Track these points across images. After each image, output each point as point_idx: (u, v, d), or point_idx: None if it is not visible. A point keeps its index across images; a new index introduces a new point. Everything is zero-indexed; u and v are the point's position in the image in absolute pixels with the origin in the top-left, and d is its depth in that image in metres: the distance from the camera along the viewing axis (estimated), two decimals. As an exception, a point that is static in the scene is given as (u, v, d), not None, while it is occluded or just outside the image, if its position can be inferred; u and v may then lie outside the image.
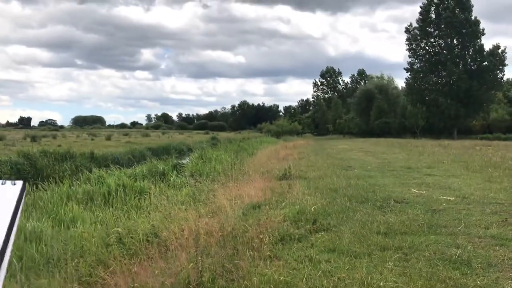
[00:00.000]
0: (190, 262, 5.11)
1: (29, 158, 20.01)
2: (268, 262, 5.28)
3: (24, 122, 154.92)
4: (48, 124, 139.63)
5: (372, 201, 8.95)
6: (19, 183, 0.67)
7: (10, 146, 34.01)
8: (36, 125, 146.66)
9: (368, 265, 5.10)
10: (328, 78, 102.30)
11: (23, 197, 0.65)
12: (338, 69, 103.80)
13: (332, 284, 4.54)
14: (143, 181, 14.14)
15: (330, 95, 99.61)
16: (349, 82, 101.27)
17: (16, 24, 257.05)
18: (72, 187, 12.96)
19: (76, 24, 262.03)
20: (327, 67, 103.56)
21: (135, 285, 4.54)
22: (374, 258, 5.36)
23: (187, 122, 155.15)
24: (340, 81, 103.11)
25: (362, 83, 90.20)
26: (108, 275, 5.26)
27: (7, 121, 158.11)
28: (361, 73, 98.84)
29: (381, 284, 4.45)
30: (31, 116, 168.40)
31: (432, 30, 61.60)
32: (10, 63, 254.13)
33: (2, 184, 0.66)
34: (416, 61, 63.09)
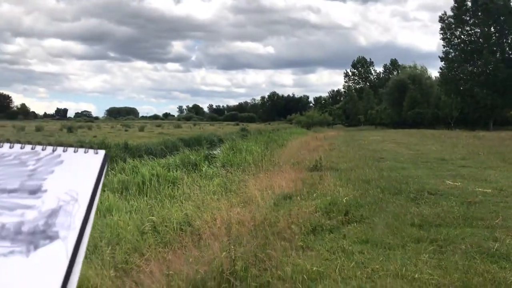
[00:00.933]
0: (222, 251, 5.17)
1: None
2: (300, 252, 5.29)
3: (61, 113, 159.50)
4: (84, 116, 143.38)
5: (405, 192, 8.83)
6: (102, 152, 0.68)
7: (48, 137, 35.10)
8: (72, 116, 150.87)
9: (402, 257, 5.05)
10: (360, 68, 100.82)
11: (105, 168, 0.67)
12: (370, 58, 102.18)
13: (365, 275, 4.52)
14: (176, 171, 14.36)
15: (362, 85, 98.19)
16: (381, 72, 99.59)
17: (51, 17, 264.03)
18: (107, 177, 13.28)
19: (108, 17, 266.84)
20: (358, 57, 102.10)
21: (170, 272, 4.63)
22: (408, 250, 5.30)
23: (218, 114, 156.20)
24: (372, 71, 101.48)
25: (395, 73, 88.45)
26: (143, 263, 5.38)
27: (45, 113, 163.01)
28: (394, 62, 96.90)
29: (416, 276, 4.40)
30: (67, 108, 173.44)
31: (467, 18, 59.61)
32: (46, 56, 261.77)
33: (85, 152, 0.67)
34: (451, 50, 61.33)
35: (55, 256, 0.55)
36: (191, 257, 5.50)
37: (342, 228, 6.38)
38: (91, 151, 0.69)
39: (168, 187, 11.96)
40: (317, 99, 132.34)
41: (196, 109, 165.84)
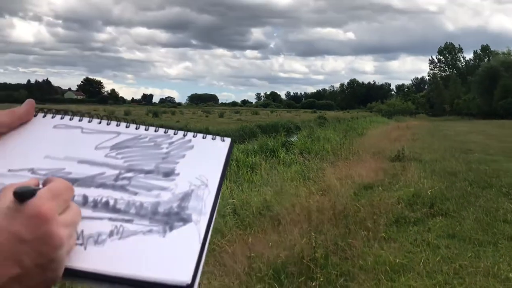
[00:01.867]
0: (303, 237, 5.19)
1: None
2: (383, 243, 5.17)
3: (147, 99, 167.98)
4: (167, 102, 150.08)
5: (496, 187, 8.28)
6: (228, 140, 0.69)
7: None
8: (157, 102, 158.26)
9: (494, 254, 4.77)
10: (447, 55, 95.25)
11: (230, 155, 0.68)
12: (459, 45, 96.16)
13: (452, 271, 4.32)
14: (254, 156, 14.56)
15: (448, 73, 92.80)
16: (470, 59, 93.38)
17: (138, 6, 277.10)
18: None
19: (190, 5, 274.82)
20: (446, 43, 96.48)
21: (251, 254, 4.74)
22: (501, 247, 4.98)
23: (295, 101, 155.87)
24: (461, 58, 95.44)
25: (486, 60, 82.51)
26: (225, 244, 5.55)
27: (132, 98, 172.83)
28: (485, 49, 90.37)
29: (510, 275, 4.13)
30: (152, 94, 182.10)
31: None
32: (133, 43, 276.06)
33: (212, 139, 0.69)
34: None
35: (189, 238, 0.56)
36: (271, 241, 5.58)
37: (427, 221, 6.13)
38: (218, 138, 0.69)
39: (247, 172, 12.17)
40: (400, 87, 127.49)
41: (273, 96, 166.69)
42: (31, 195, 0.48)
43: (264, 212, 7.34)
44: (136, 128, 0.69)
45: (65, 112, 0.69)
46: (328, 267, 4.48)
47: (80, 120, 0.69)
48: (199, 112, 71.33)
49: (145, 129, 0.69)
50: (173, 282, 0.52)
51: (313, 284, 4.07)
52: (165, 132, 0.69)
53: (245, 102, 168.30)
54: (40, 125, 0.67)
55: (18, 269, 0.46)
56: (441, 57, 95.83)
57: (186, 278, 0.52)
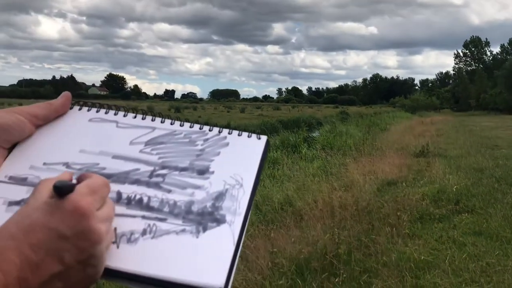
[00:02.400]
0: (325, 233, 5.17)
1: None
2: (407, 240, 5.11)
3: (169, 94, 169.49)
4: (189, 97, 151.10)
5: (525, 184, 8.08)
6: (264, 138, 0.68)
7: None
8: (179, 97, 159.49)
9: (523, 253, 4.65)
10: (473, 49, 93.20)
11: (266, 154, 0.66)
12: (486, 38, 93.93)
13: (479, 268, 4.25)
14: (276, 152, 14.54)
15: (474, 67, 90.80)
16: (497, 53, 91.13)
17: (160, 2, 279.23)
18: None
19: (212, 1, 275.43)
20: (471, 37, 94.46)
21: (274, 250, 4.74)
22: (530, 246, 4.86)
23: (317, 96, 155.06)
24: (487, 52, 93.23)
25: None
26: (248, 239, 5.57)
27: (155, 93, 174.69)
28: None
29: (539, 274, 4.03)
30: (174, 89, 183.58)
31: None
32: (155, 39, 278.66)
33: (248, 136, 0.67)
34: None
35: (223, 240, 0.55)
36: (293, 237, 5.57)
37: (452, 218, 6.03)
38: (254, 135, 0.67)
39: (268, 167, 12.16)
40: (423, 82, 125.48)
41: (295, 91, 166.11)
42: (70, 190, 0.48)
43: (286, 207, 7.33)
44: (171, 124, 0.68)
45: (100, 106, 0.69)
46: (351, 263, 4.44)
47: (115, 114, 0.68)
48: (220, 108, 71.60)
49: (180, 125, 0.68)
50: (206, 285, 0.51)
51: (336, 280, 4.05)
52: (200, 129, 0.68)
53: (266, 98, 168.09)
54: (76, 118, 0.67)
55: (60, 265, 0.46)
56: (467, 51, 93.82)
57: (219, 282, 0.51)
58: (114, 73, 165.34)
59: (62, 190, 0.47)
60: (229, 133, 0.67)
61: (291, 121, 38.25)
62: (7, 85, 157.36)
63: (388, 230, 5.31)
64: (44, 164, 0.61)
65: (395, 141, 17.06)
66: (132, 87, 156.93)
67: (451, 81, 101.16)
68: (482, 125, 28.80)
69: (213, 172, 0.62)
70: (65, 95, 0.67)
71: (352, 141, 17.38)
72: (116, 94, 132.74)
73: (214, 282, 0.51)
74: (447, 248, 4.83)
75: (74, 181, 0.53)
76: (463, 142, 16.53)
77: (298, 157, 14.21)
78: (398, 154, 12.57)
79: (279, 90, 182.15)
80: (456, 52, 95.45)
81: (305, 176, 9.74)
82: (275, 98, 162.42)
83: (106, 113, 0.68)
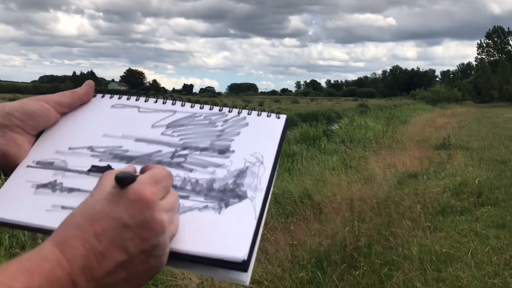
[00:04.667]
0: (345, 226, 5.14)
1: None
2: (428, 232, 5.06)
3: (187, 89, 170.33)
4: (208, 91, 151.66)
5: (549, 176, 7.91)
6: (283, 117, 0.69)
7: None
8: (197, 91, 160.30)
9: (548, 246, 4.56)
10: (496, 39, 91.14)
11: (286, 132, 0.68)
12: (508, 28, 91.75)
13: (503, 261, 4.18)
14: (295, 145, 14.52)
15: (497, 57, 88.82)
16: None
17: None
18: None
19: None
20: (494, 27, 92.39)
21: (294, 242, 4.74)
22: (555, 239, 4.76)
23: (336, 89, 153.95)
24: (511, 42, 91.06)
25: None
26: (267, 232, 5.58)
27: (173, 88, 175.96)
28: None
29: None
30: (192, 84, 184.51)
31: None
32: (172, 34, 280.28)
33: (267, 116, 0.69)
34: None
35: (244, 215, 0.56)
36: (312, 229, 5.57)
37: (474, 211, 5.95)
38: (273, 115, 0.69)
39: (287, 160, 12.15)
40: (444, 73, 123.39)
41: (313, 84, 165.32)
42: (132, 180, 0.49)
43: (305, 200, 7.31)
44: (191, 107, 0.71)
45: (122, 93, 0.71)
46: (371, 255, 4.42)
47: (137, 100, 0.71)
48: (238, 101, 71.68)
49: (200, 108, 0.70)
50: (229, 258, 0.52)
51: (357, 272, 4.04)
52: (220, 110, 0.70)
53: (284, 91, 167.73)
54: (99, 105, 0.69)
55: (124, 255, 0.46)
56: (490, 41, 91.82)
57: (242, 254, 0.52)
58: (133, 68, 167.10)
59: (124, 180, 0.48)
60: (248, 114, 0.69)
61: (310, 114, 38.06)
62: (29, 81, 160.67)
63: (408, 223, 5.26)
64: (70, 148, 0.63)
65: (416, 134, 16.86)
66: (151, 82, 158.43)
67: (473, 72, 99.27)
68: (505, 116, 28.19)
69: (233, 151, 0.64)
70: (89, 83, 0.69)
71: (372, 134, 17.23)
72: (135, 89, 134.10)
73: (237, 254, 0.52)
74: (469, 241, 4.77)
75: (137, 173, 0.54)
76: (485, 134, 16.25)
77: (317, 150, 14.17)
78: (418, 146, 12.43)
79: (297, 83, 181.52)
80: (479, 42, 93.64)
81: (324, 169, 9.70)
82: (293, 91, 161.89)
83: (128, 99, 0.71)
